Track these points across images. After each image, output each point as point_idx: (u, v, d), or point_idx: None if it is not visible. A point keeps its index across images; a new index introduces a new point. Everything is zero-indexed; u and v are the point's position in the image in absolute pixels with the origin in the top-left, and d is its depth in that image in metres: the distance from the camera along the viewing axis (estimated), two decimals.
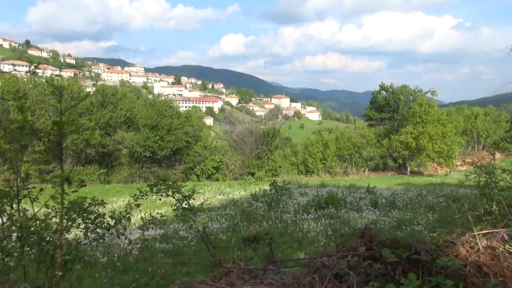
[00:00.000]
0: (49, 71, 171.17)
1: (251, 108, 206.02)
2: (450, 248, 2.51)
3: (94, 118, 27.62)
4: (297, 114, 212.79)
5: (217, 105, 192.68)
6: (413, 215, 12.32)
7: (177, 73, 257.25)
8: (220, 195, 21.90)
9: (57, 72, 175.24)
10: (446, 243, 2.58)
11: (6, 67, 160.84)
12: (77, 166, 28.30)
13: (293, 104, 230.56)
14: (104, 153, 29.20)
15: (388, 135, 36.31)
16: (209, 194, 21.99)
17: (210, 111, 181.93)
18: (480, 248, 2.54)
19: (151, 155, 28.40)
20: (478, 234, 2.57)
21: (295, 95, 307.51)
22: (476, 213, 5.62)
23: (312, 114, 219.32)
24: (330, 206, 14.35)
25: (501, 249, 2.51)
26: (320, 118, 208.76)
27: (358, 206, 14.74)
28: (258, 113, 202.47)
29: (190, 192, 6.06)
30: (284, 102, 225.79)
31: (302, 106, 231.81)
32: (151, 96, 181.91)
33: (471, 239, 2.61)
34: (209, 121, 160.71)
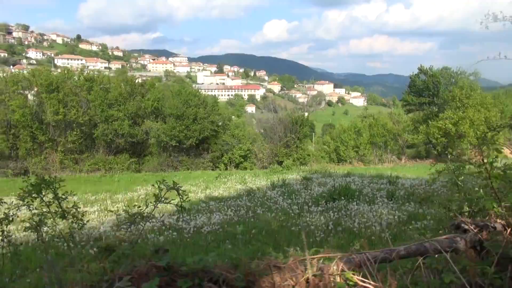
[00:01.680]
0: (98, 64, 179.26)
1: (293, 95, 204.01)
2: (271, 276, 2.01)
3: (123, 109, 28.35)
4: (341, 100, 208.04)
5: (259, 93, 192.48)
6: (427, 210, 11.42)
7: (220, 61, 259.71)
8: (240, 184, 21.63)
9: (106, 65, 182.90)
10: (274, 267, 2.08)
11: (60, 61, 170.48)
12: (109, 155, 29.25)
13: (337, 90, 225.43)
14: (134, 143, 29.96)
15: (427, 120, 34.24)
16: (230, 183, 21.79)
17: (252, 99, 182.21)
18: (310, 276, 2.02)
19: (178, 144, 28.74)
20: (313, 259, 2.04)
21: (339, 81, 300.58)
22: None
23: (357, 99, 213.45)
24: (342, 197, 13.67)
25: (331, 279, 1.97)
26: (365, 103, 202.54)
27: (373, 198, 13.95)
28: (300, 100, 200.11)
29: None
30: (328, 88, 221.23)
31: (347, 92, 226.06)
32: (195, 85, 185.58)
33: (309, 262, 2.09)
34: (251, 108, 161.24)
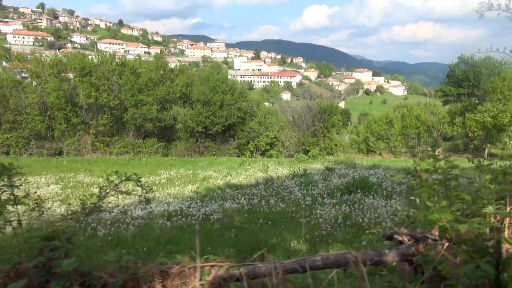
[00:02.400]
0: (138, 49, 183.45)
1: (330, 82, 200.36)
2: (155, 282, 1.90)
3: (152, 94, 28.88)
4: (380, 89, 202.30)
5: (295, 80, 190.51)
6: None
7: (257, 47, 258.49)
8: (261, 172, 21.56)
9: (146, 49, 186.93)
10: (163, 273, 1.97)
11: (102, 46, 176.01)
12: (138, 139, 30.03)
13: (376, 78, 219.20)
14: (162, 127, 30.56)
15: (464, 113, 32.53)
16: (252, 171, 21.81)
17: (288, 86, 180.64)
18: (197, 285, 1.89)
19: (204, 130, 29.00)
20: (199, 266, 1.90)
21: (379, 69, 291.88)
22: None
23: (397, 88, 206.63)
24: (359, 190, 13.34)
25: None
26: (405, 93, 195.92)
27: (392, 192, 13.51)
28: (337, 88, 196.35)
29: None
30: (366, 76, 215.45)
31: (386, 80, 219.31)
32: (232, 71, 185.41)
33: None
34: (286, 95, 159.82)
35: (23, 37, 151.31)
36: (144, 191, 4.85)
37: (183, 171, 21.84)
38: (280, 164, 25.14)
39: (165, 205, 11.64)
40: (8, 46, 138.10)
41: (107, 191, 4.60)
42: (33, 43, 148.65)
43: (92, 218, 9.17)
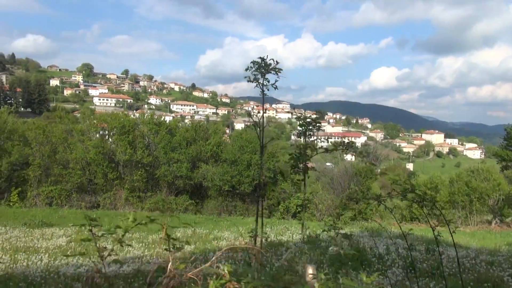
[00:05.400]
0: (207, 110, 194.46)
1: (397, 144, 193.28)
2: None
3: (184, 152, 29.87)
4: (453, 152, 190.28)
5: (360, 140, 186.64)
6: None
7: (323, 108, 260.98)
8: (276, 235, 20.61)
9: (214, 110, 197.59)
10: None
11: (175, 107, 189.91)
12: (170, 195, 30.73)
13: (449, 140, 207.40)
14: (193, 185, 31.06)
15: None
16: (267, 234, 20.89)
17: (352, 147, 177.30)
18: None
19: (231, 189, 28.91)
20: None
21: (454, 130, 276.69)
22: None
23: (472, 151, 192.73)
24: (349, 262, 12.06)
25: None
26: (483, 156, 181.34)
27: (388, 267, 12.07)
28: (405, 150, 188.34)
29: None
30: (437, 138, 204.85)
31: (460, 143, 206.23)
32: (295, 131, 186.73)
33: None
34: (350, 156, 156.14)
35: (107, 100, 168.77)
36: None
37: (201, 230, 21.58)
38: (305, 228, 23.85)
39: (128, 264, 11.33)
40: (93, 107, 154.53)
41: None
42: (115, 104, 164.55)
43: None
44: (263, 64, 3.43)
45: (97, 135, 30.37)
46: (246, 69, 3.40)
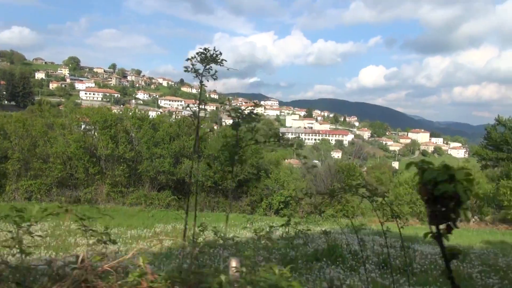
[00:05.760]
0: (196, 105, 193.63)
1: (384, 142, 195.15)
2: None
3: (167, 147, 29.70)
4: (438, 151, 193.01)
5: (347, 138, 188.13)
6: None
7: (311, 106, 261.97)
8: (253, 232, 20.47)
9: (202, 106, 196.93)
10: None
11: (163, 102, 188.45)
12: (153, 191, 30.54)
13: (434, 139, 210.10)
14: (177, 181, 30.92)
15: (500, 179, 29.48)
16: (247, 230, 20.92)
17: (339, 144, 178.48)
18: None
19: (213, 185, 28.90)
20: None
21: (440, 130, 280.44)
22: None
23: (457, 150, 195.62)
24: (324, 259, 12.35)
25: None
26: (467, 155, 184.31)
27: (362, 263, 12.21)
28: (391, 148, 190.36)
29: None
30: (423, 137, 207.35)
31: (445, 142, 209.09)
32: (283, 128, 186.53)
33: None
34: (337, 154, 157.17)
35: (93, 94, 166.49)
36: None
37: (180, 225, 21.44)
38: (286, 225, 23.91)
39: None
40: (79, 101, 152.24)
41: None
42: (102, 99, 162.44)
43: None
44: (207, 56, 3.39)
45: (80, 130, 29.91)
46: (187, 59, 3.37)
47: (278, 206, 30.33)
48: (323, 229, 20.67)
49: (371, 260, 12.78)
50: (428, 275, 10.98)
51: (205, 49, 3.55)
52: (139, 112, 32.58)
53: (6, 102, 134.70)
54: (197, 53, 3.55)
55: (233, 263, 2.59)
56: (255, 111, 3.20)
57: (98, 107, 32.28)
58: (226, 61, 3.57)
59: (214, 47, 3.62)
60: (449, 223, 1.44)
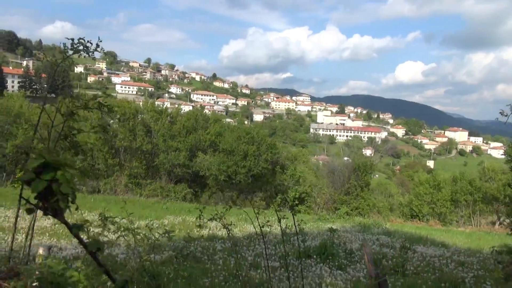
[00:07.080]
0: (227, 100, 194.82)
1: (419, 140, 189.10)
2: None
3: (183, 140, 30.11)
4: (476, 150, 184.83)
5: (380, 136, 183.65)
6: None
7: (344, 102, 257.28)
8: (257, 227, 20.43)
9: (234, 101, 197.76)
10: None
11: (195, 97, 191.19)
12: (170, 183, 31.10)
13: (473, 138, 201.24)
14: (193, 174, 31.33)
15: None
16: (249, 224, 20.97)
17: (371, 142, 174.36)
18: None
19: (227, 179, 29.04)
20: None
21: (480, 129, 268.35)
22: None
23: (497, 150, 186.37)
24: (314, 256, 12.33)
25: None
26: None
27: (356, 261, 12.17)
28: (427, 146, 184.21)
29: None
30: (461, 135, 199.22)
31: (485, 141, 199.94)
32: (314, 124, 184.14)
33: None
34: (368, 152, 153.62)
35: (128, 87, 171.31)
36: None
37: (192, 218, 21.69)
38: (298, 221, 23.75)
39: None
40: (115, 94, 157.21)
41: None
42: (136, 92, 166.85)
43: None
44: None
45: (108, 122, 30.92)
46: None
47: (293, 202, 30.05)
48: (330, 226, 20.40)
49: (363, 260, 12.42)
50: (419, 277, 10.63)
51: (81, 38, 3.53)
52: (158, 106, 33.15)
53: (47, 94, 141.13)
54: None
55: (40, 251, 2.57)
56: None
57: (120, 99, 33.11)
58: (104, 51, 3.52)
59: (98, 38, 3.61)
60: None
